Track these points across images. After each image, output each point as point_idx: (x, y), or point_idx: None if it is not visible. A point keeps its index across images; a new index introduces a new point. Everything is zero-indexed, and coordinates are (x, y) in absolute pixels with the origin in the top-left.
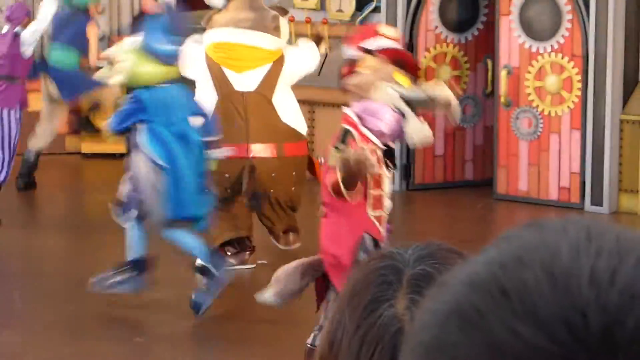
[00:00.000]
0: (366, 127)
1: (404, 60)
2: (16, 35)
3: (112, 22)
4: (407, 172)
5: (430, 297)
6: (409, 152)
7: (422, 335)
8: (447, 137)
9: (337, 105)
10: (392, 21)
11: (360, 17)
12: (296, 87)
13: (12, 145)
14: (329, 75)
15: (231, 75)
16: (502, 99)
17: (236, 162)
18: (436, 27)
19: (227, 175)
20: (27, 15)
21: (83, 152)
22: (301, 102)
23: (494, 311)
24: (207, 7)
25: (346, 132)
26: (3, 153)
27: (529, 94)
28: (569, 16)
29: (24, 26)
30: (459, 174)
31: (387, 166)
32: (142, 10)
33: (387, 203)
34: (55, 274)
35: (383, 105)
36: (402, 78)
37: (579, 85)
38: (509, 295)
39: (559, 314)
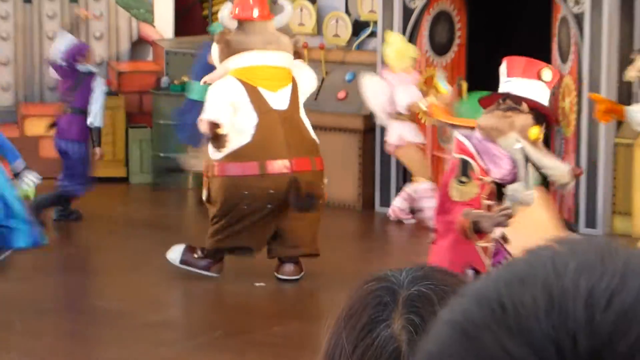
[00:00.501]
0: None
1: (546, 114)
2: (89, 73)
3: (111, 47)
4: None
5: (446, 307)
6: None
7: (429, 343)
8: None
9: (332, 129)
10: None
11: (357, 42)
12: None
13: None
14: (327, 98)
15: (268, 95)
16: None
17: (281, 178)
18: (427, 51)
19: (271, 191)
20: (85, 53)
21: None
22: None
23: (490, 327)
24: (203, 33)
25: (466, 164)
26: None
27: None
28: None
29: (87, 61)
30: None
31: (499, 198)
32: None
33: (496, 234)
34: None
35: (506, 154)
36: (535, 133)
37: (575, 108)
38: (507, 312)
39: (550, 334)
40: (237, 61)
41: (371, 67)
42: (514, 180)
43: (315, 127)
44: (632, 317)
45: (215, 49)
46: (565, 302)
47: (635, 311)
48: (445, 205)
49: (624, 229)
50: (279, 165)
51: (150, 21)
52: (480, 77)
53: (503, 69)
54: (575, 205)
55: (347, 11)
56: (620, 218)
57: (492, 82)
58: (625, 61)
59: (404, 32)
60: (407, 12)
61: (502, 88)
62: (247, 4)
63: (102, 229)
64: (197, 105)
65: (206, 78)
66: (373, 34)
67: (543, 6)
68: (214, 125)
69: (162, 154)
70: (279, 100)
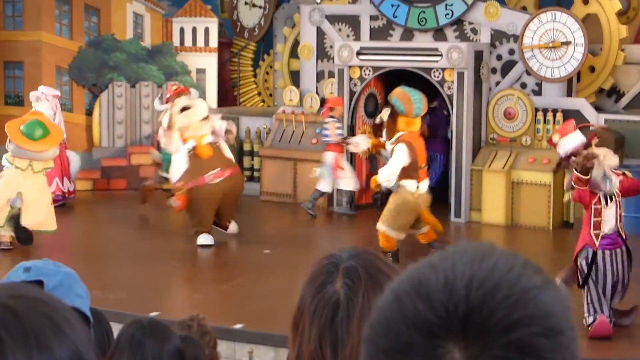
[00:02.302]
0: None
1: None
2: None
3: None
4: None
5: (391, 283)
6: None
7: (377, 311)
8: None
9: (309, 160)
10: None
11: (323, 111)
12: (284, 150)
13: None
14: (306, 142)
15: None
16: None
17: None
18: (362, 115)
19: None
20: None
21: None
22: (288, 159)
23: (409, 293)
24: (234, 104)
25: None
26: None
27: None
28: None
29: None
30: None
31: (606, 202)
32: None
33: (605, 226)
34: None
35: (600, 179)
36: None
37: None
38: (421, 285)
39: (443, 302)
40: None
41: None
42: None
43: (298, 160)
44: (492, 296)
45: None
46: (454, 282)
47: (494, 293)
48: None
49: (476, 219)
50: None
51: (203, 98)
52: None
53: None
54: (449, 204)
55: (317, 92)
56: (474, 212)
57: None
58: (476, 124)
59: (349, 105)
60: (351, 93)
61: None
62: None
63: (172, 216)
64: None
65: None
66: None
67: (433, 88)
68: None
69: None
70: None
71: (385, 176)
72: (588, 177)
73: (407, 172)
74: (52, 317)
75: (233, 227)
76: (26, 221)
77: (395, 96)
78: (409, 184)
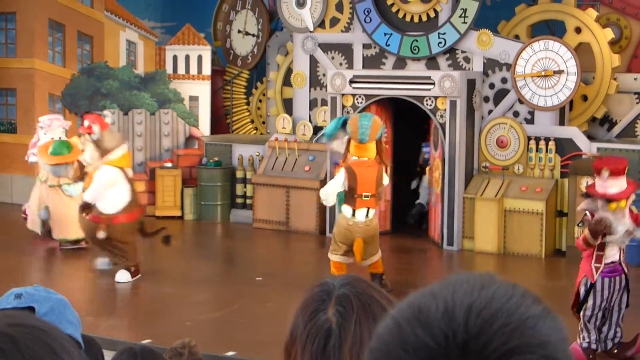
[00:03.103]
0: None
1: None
2: None
3: (174, 141)
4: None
5: (392, 310)
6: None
7: (379, 328)
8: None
9: (302, 188)
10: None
11: (315, 139)
12: (277, 177)
13: None
14: (299, 170)
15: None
16: None
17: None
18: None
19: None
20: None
21: None
22: (281, 186)
23: (410, 320)
24: (227, 132)
25: (585, 220)
26: None
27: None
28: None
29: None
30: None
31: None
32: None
33: (607, 260)
34: None
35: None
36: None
37: (440, 176)
38: (421, 312)
39: (442, 329)
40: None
41: (323, 152)
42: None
43: (291, 187)
44: (490, 324)
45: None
46: (453, 310)
47: (492, 322)
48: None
49: (469, 247)
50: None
51: (196, 126)
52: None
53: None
54: (441, 232)
55: (310, 120)
56: (467, 240)
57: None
58: (469, 152)
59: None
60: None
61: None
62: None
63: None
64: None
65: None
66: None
67: (427, 117)
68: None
69: (202, 203)
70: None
71: (324, 195)
72: (596, 242)
73: (346, 198)
74: (51, 345)
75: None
76: (54, 234)
77: (349, 120)
78: (345, 210)
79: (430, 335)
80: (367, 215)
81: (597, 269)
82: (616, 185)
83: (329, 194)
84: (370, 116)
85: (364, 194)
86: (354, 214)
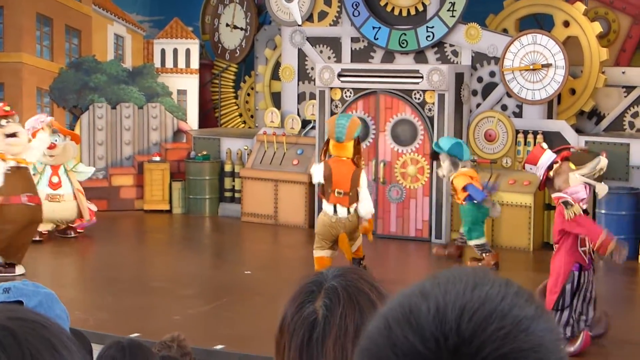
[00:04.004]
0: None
1: (566, 154)
2: None
3: (162, 134)
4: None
5: (381, 309)
6: None
7: (369, 326)
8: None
9: (290, 182)
10: (321, 135)
11: (304, 132)
12: (265, 171)
13: None
14: (287, 164)
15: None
16: (381, 180)
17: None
18: None
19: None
20: None
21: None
22: (269, 180)
23: (400, 321)
24: (216, 126)
25: (567, 202)
26: None
27: (397, 176)
28: (421, 132)
29: None
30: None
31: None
32: None
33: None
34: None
35: (579, 185)
36: (573, 165)
37: (428, 171)
38: (412, 313)
39: (433, 332)
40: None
41: (312, 146)
42: (590, 195)
43: (279, 181)
44: (483, 328)
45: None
46: (445, 313)
47: (485, 325)
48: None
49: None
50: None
51: (184, 119)
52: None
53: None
54: (429, 226)
55: (298, 114)
56: (455, 233)
57: None
58: None
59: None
60: (332, 115)
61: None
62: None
63: (154, 237)
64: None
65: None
66: (313, 127)
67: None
68: None
69: (191, 197)
70: None
71: (312, 171)
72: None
73: (323, 192)
74: (50, 340)
75: (20, 269)
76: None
77: (328, 119)
78: (326, 207)
79: (421, 339)
80: (348, 212)
81: (584, 252)
82: (543, 161)
83: (314, 173)
84: (349, 116)
85: (337, 190)
86: (335, 211)
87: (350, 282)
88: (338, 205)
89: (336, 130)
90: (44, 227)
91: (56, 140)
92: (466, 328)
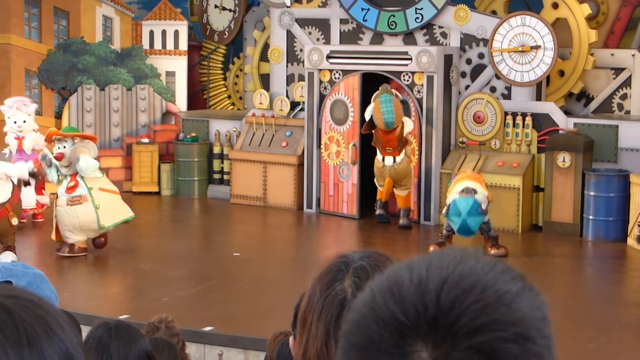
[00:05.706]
0: None
1: None
2: None
3: (150, 116)
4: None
5: (369, 282)
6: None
7: (354, 307)
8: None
9: (279, 163)
10: (310, 117)
11: (293, 114)
12: (254, 153)
13: None
14: (276, 145)
15: None
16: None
17: None
18: (329, 121)
19: None
20: None
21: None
22: (258, 162)
23: (384, 292)
24: (204, 108)
25: None
26: None
27: None
28: (412, 114)
29: None
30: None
31: None
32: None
33: None
34: None
35: None
36: None
37: (417, 150)
38: (397, 285)
39: (414, 302)
40: None
41: (301, 128)
42: None
43: (268, 163)
44: (461, 299)
45: None
46: (427, 285)
47: (464, 297)
48: None
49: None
50: None
51: (173, 101)
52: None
53: None
54: (418, 207)
55: (287, 95)
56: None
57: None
58: (446, 127)
59: (318, 110)
60: (321, 97)
61: None
62: None
63: (142, 219)
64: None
65: None
66: (302, 109)
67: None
68: None
69: (179, 178)
70: None
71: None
72: None
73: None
74: (45, 319)
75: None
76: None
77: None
78: (378, 155)
79: (402, 308)
80: (394, 160)
81: None
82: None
83: (367, 112)
84: (389, 99)
85: (387, 148)
86: (383, 160)
87: (380, 263)
88: (386, 157)
89: (384, 117)
90: (80, 240)
91: (61, 148)
92: (445, 299)
